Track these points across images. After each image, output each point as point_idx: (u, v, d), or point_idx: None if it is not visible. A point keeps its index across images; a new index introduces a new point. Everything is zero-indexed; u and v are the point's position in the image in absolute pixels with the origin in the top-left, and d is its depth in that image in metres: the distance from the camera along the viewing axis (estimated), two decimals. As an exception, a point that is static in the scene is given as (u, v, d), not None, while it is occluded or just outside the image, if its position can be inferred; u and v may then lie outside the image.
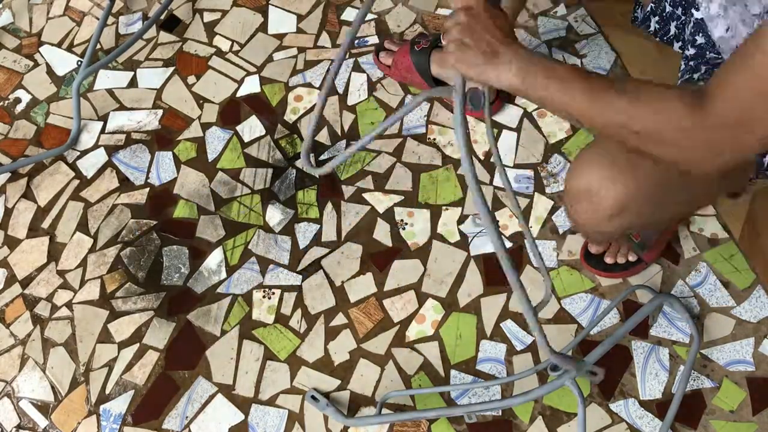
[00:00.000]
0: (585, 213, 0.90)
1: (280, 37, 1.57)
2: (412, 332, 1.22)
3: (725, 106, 0.60)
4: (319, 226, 1.33)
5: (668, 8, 0.99)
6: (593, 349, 1.01)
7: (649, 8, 1.03)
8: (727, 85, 0.60)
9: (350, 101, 1.46)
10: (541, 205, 1.29)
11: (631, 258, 1.18)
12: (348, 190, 1.36)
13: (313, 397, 1.17)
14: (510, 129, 1.37)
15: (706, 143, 0.64)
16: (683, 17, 0.96)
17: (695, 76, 0.90)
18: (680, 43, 0.99)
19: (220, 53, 1.57)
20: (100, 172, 1.46)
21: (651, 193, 0.84)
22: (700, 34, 0.88)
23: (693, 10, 0.87)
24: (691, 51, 0.90)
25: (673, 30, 0.99)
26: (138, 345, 1.27)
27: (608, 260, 1.19)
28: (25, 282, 1.37)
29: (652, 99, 0.66)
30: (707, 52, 0.88)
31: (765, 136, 0.60)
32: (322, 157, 1.40)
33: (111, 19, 1.66)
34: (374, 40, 1.52)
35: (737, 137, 0.61)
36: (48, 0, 1.72)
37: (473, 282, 1.24)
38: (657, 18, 1.02)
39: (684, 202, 0.93)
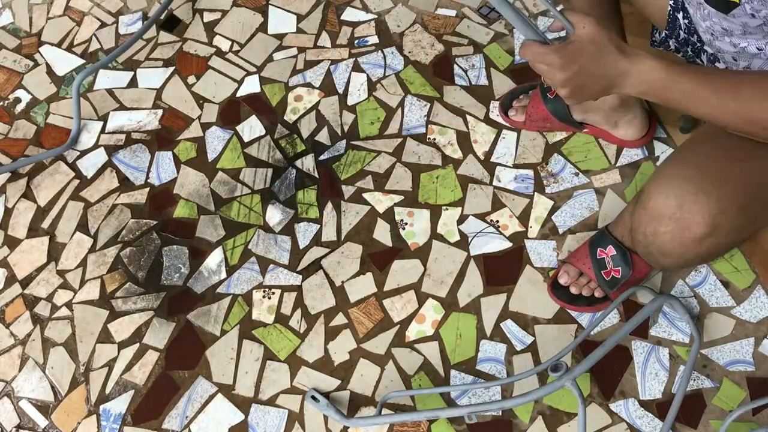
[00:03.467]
0: (671, 235, 0.81)
1: (280, 37, 1.57)
2: (412, 332, 1.22)
3: None
4: (319, 226, 1.33)
5: (682, 34, 0.97)
6: (594, 350, 1.01)
7: (664, 33, 1.02)
8: None
9: (350, 101, 1.46)
10: (542, 205, 1.29)
11: (597, 294, 1.16)
12: (348, 190, 1.36)
13: (313, 397, 1.17)
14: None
15: None
16: (698, 44, 0.95)
17: None
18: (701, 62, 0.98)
19: (220, 53, 1.57)
20: (100, 172, 1.46)
21: (743, 205, 0.77)
22: (719, 62, 0.85)
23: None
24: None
25: (690, 51, 0.99)
26: (138, 345, 1.27)
27: (573, 290, 1.16)
28: (25, 282, 1.37)
29: None
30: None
31: None
32: (322, 157, 1.40)
33: (111, 19, 1.66)
34: (374, 40, 1.52)
35: None
36: (48, 0, 1.72)
37: (473, 282, 1.24)
38: (674, 40, 1.01)
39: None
